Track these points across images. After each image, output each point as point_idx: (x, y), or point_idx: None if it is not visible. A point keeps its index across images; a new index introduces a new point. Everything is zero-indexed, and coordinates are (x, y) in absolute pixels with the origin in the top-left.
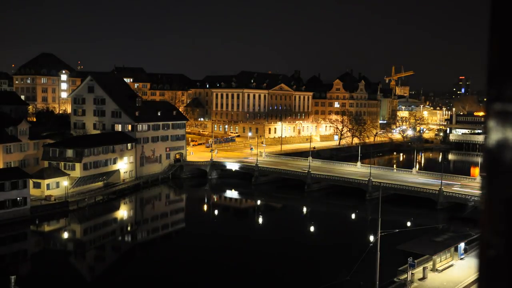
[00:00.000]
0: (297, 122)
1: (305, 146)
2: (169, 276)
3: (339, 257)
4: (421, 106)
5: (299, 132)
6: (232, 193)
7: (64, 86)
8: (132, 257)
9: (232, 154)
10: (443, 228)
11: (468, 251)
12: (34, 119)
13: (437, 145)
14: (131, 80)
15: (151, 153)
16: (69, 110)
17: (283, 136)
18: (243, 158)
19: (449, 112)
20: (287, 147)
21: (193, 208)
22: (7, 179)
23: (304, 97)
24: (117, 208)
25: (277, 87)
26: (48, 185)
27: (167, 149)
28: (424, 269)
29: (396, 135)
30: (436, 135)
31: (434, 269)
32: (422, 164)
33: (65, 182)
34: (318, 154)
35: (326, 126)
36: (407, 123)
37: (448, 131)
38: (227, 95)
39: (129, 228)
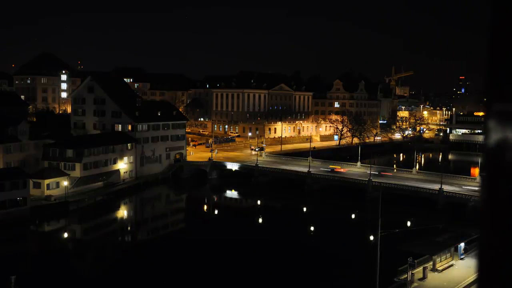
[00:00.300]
0: (297, 122)
1: (305, 146)
2: (169, 276)
3: (339, 257)
4: (421, 106)
5: (299, 132)
6: (232, 193)
7: (64, 86)
8: (132, 257)
9: (232, 154)
10: (443, 228)
11: (468, 251)
12: (34, 119)
13: (437, 145)
14: (131, 80)
15: (151, 153)
16: (69, 110)
17: (283, 136)
18: (244, 159)
19: (449, 112)
20: (287, 147)
21: (193, 208)
22: (7, 179)
23: (304, 97)
24: (117, 208)
25: (277, 87)
26: (48, 185)
27: (167, 149)
28: (424, 269)
29: (397, 136)
30: (436, 135)
31: (434, 269)
32: (422, 164)
33: (65, 182)
34: (318, 154)
35: (326, 126)
36: (407, 123)
37: (448, 131)
38: (227, 95)
39: (129, 228)
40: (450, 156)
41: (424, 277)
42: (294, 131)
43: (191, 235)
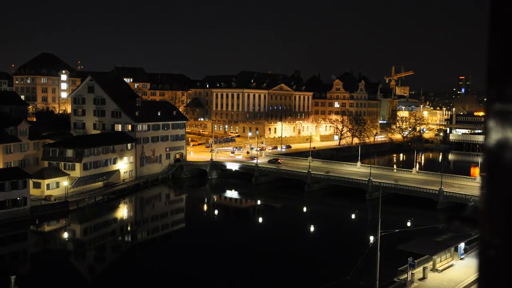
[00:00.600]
0: (297, 122)
1: (305, 146)
2: (169, 276)
3: (339, 257)
4: (421, 106)
5: (299, 132)
6: (232, 193)
7: (64, 86)
8: (132, 257)
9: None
10: (443, 228)
11: (468, 251)
12: (34, 119)
13: (437, 145)
14: (131, 80)
15: (151, 153)
16: (69, 110)
17: (283, 136)
18: (244, 159)
19: (449, 112)
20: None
21: (193, 208)
22: (7, 179)
23: (304, 97)
24: (117, 208)
25: (277, 87)
26: (48, 185)
27: (167, 149)
28: (424, 269)
29: (396, 135)
30: (436, 135)
31: (434, 269)
32: (422, 164)
33: (65, 182)
34: (318, 154)
35: (326, 126)
36: (407, 123)
37: (448, 131)
38: (227, 95)
39: (129, 228)
40: (450, 156)
41: (424, 277)
42: (294, 131)
43: (190, 235)
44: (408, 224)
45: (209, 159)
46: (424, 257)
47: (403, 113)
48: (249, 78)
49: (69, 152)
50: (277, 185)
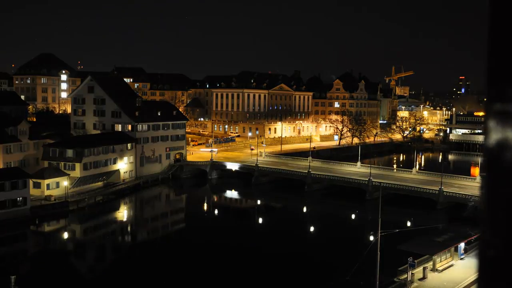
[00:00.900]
0: (297, 122)
1: (305, 146)
2: (169, 276)
3: (339, 257)
4: (421, 106)
5: (299, 132)
6: (232, 193)
7: (64, 86)
8: (132, 257)
9: (232, 154)
10: (443, 228)
11: (468, 251)
12: (34, 119)
13: (437, 145)
14: (131, 80)
15: (151, 153)
16: (69, 110)
17: (283, 136)
18: (244, 159)
19: (449, 112)
20: (287, 147)
21: (193, 208)
22: (7, 179)
23: (304, 97)
24: (117, 208)
25: (277, 87)
26: (48, 185)
27: (167, 149)
28: (424, 269)
29: (396, 134)
30: (436, 135)
31: (434, 269)
32: (422, 164)
33: (65, 182)
34: (318, 154)
35: (326, 126)
36: (407, 123)
37: (448, 131)
38: (227, 95)
39: (129, 228)
40: (450, 156)
41: (424, 277)
42: (294, 131)
43: (190, 235)
44: (408, 224)
45: (209, 159)
46: (424, 257)
47: (403, 113)
48: (249, 78)
49: (69, 152)
50: (277, 185)
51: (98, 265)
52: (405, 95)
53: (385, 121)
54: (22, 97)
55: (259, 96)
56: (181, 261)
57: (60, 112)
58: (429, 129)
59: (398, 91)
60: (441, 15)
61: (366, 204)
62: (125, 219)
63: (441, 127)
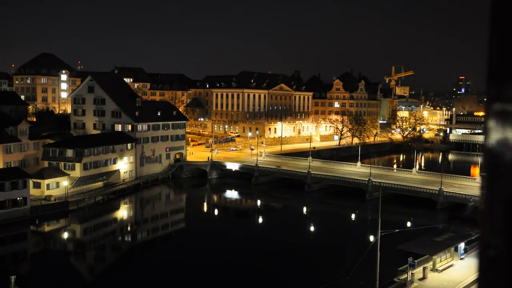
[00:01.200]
0: (297, 122)
1: (305, 146)
2: (169, 276)
3: (339, 257)
4: (421, 106)
5: (299, 132)
6: (232, 193)
7: (64, 86)
8: (132, 257)
9: (232, 154)
10: (443, 228)
11: (468, 251)
12: (34, 119)
13: (437, 145)
14: (131, 80)
15: (151, 153)
16: (69, 110)
17: (283, 136)
18: (244, 159)
19: (449, 112)
20: (287, 147)
21: (193, 208)
22: (7, 179)
23: (304, 97)
24: (117, 208)
25: (277, 87)
26: (48, 185)
27: (167, 149)
28: (424, 269)
29: (396, 135)
30: (436, 135)
31: (434, 269)
32: (422, 164)
33: (65, 182)
34: (318, 154)
35: (326, 126)
36: (407, 123)
37: (448, 131)
38: (227, 95)
39: (129, 228)
40: (450, 156)
41: (424, 277)
42: (294, 131)
43: (190, 235)
44: (408, 224)
45: (209, 159)
46: (424, 257)
47: (403, 113)
48: (249, 78)
49: (69, 152)
50: (277, 185)
51: (98, 265)
52: (405, 95)
53: (385, 121)
54: (22, 97)
55: (259, 96)
56: (181, 261)
57: (60, 112)
58: (429, 129)
59: (398, 91)
60: (441, 15)
61: (366, 204)
62: (125, 219)
63: (441, 127)
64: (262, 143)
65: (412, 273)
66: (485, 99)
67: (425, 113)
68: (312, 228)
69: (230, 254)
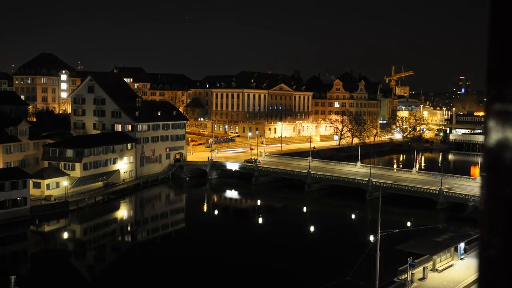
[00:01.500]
0: (297, 122)
1: (305, 146)
2: (169, 276)
3: (339, 257)
4: (421, 106)
5: (299, 132)
6: (232, 193)
7: (64, 86)
8: (132, 257)
9: (232, 154)
10: (443, 228)
11: (468, 251)
12: (34, 119)
13: (437, 145)
14: (131, 80)
15: (151, 153)
16: (69, 110)
17: (283, 136)
18: (244, 159)
19: (449, 112)
20: (287, 147)
21: (193, 208)
22: (7, 179)
23: (304, 97)
24: (117, 208)
25: (277, 87)
26: (48, 185)
27: (167, 149)
28: (424, 269)
29: (397, 136)
30: (436, 135)
31: (434, 269)
32: (422, 164)
33: (65, 182)
34: (318, 154)
35: (326, 126)
36: (407, 123)
37: (448, 131)
38: (227, 95)
39: (129, 228)
40: (450, 156)
41: (424, 277)
42: (294, 131)
43: (191, 235)
44: (408, 224)
45: (209, 159)
46: (424, 257)
47: (403, 113)
48: (249, 78)
49: (69, 152)
50: (277, 185)
51: (98, 265)
52: (405, 95)
53: (385, 121)
54: (22, 97)
55: (259, 96)
56: (181, 261)
57: (60, 112)
58: (429, 129)
59: (398, 91)
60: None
61: (366, 204)
62: (125, 219)
63: (441, 127)
64: (262, 143)
65: (412, 273)
66: (485, 99)
67: (425, 113)
68: (312, 228)
69: (230, 254)
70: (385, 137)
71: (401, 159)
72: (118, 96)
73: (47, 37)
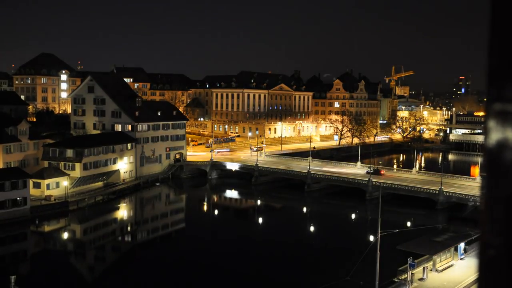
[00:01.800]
0: (297, 122)
1: (305, 146)
2: (169, 276)
3: (339, 257)
4: (421, 106)
5: (299, 132)
6: (232, 193)
7: (64, 86)
8: (132, 257)
9: (232, 154)
10: (443, 228)
11: (468, 251)
12: (34, 119)
13: (437, 145)
14: (131, 80)
15: (151, 153)
16: (69, 110)
17: (283, 136)
18: (244, 159)
19: (449, 112)
20: (287, 147)
21: (193, 208)
22: (7, 179)
23: (304, 97)
24: (117, 208)
25: (277, 87)
26: (48, 185)
27: (167, 149)
28: (424, 269)
29: (396, 135)
30: (436, 135)
31: (434, 269)
32: (422, 164)
33: (65, 182)
34: (318, 154)
35: (326, 126)
36: (407, 123)
37: (448, 131)
38: (227, 95)
39: (129, 228)
40: (450, 156)
41: (424, 277)
42: (294, 131)
43: (191, 235)
44: (408, 224)
45: (209, 159)
46: (424, 257)
47: (403, 113)
48: (249, 78)
49: (69, 152)
50: (277, 185)
51: (98, 265)
52: (405, 95)
53: (385, 121)
54: (22, 97)
55: (259, 96)
56: (181, 261)
57: (60, 112)
58: (429, 129)
59: (398, 91)
60: (441, 14)
61: (366, 204)
62: (125, 219)
63: (441, 127)
64: (262, 143)
65: (412, 273)
66: (485, 99)
67: (425, 113)
68: (312, 228)
69: (230, 254)
70: (381, 138)
71: (401, 159)
72: (118, 96)
73: (47, 37)
